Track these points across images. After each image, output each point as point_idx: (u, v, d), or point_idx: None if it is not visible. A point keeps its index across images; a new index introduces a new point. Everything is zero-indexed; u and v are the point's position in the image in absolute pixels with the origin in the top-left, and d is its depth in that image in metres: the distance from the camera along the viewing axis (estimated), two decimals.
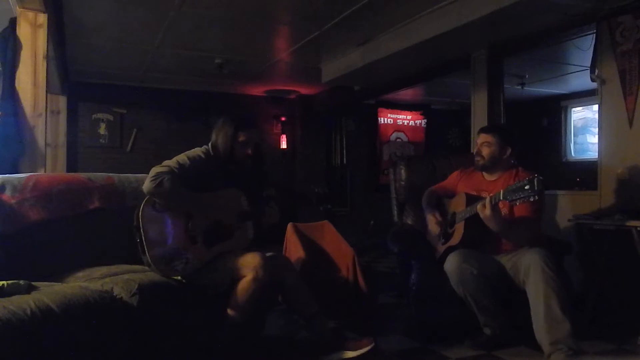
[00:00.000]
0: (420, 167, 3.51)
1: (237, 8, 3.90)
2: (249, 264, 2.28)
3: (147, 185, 2.28)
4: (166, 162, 2.36)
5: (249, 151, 2.51)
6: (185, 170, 2.35)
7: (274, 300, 2.69)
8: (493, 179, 2.83)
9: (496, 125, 2.79)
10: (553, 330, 2.32)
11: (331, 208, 2.74)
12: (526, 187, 2.27)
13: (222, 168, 2.51)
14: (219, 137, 2.50)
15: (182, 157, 2.41)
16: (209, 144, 2.54)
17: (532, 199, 2.28)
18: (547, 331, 2.33)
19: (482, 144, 2.82)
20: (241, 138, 2.48)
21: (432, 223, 2.92)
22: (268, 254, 2.44)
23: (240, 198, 2.47)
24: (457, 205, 2.79)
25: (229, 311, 2.27)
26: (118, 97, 6.42)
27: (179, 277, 2.31)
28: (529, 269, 2.44)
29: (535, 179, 2.25)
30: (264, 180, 2.88)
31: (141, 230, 2.26)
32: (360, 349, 2.40)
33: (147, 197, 2.31)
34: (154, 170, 2.30)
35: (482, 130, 2.91)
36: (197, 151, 2.48)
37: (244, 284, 2.27)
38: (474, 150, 2.95)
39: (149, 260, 2.24)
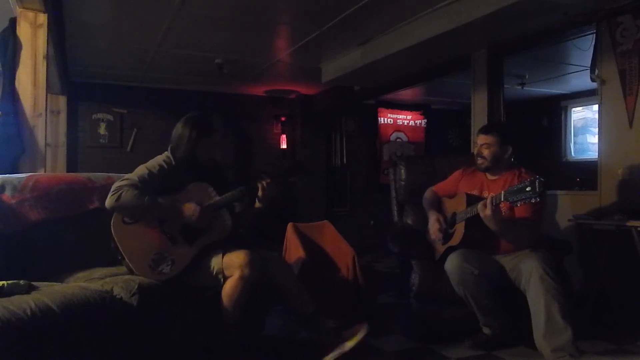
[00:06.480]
0: (420, 167, 3.51)
1: (237, 8, 3.90)
2: (235, 262, 2.28)
3: (108, 201, 2.29)
4: (127, 175, 2.37)
5: (212, 155, 2.52)
6: (148, 181, 2.35)
7: (272, 300, 2.69)
8: (495, 178, 2.82)
9: (495, 124, 2.75)
10: (554, 338, 2.32)
11: (298, 180, 2.72)
12: (527, 189, 2.26)
13: (186, 170, 2.49)
14: (179, 142, 2.49)
15: (142, 170, 2.40)
16: (169, 150, 2.52)
17: (533, 201, 2.27)
18: (548, 339, 2.33)
19: (482, 145, 2.79)
20: (201, 143, 2.48)
21: (433, 221, 2.86)
22: (265, 254, 2.44)
23: (208, 189, 2.47)
24: (458, 206, 2.78)
25: (222, 311, 2.28)
26: (118, 97, 6.41)
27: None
28: (530, 277, 2.44)
29: (537, 180, 2.23)
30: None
31: (119, 248, 2.28)
32: (357, 335, 2.40)
33: (114, 214, 2.31)
34: (115, 185, 2.31)
35: (481, 131, 2.86)
36: (158, 160, 2.47)
37: (231, 282, 2.27)
38: (474, 150, 2.94)
39: (136, 272, 2.26)
